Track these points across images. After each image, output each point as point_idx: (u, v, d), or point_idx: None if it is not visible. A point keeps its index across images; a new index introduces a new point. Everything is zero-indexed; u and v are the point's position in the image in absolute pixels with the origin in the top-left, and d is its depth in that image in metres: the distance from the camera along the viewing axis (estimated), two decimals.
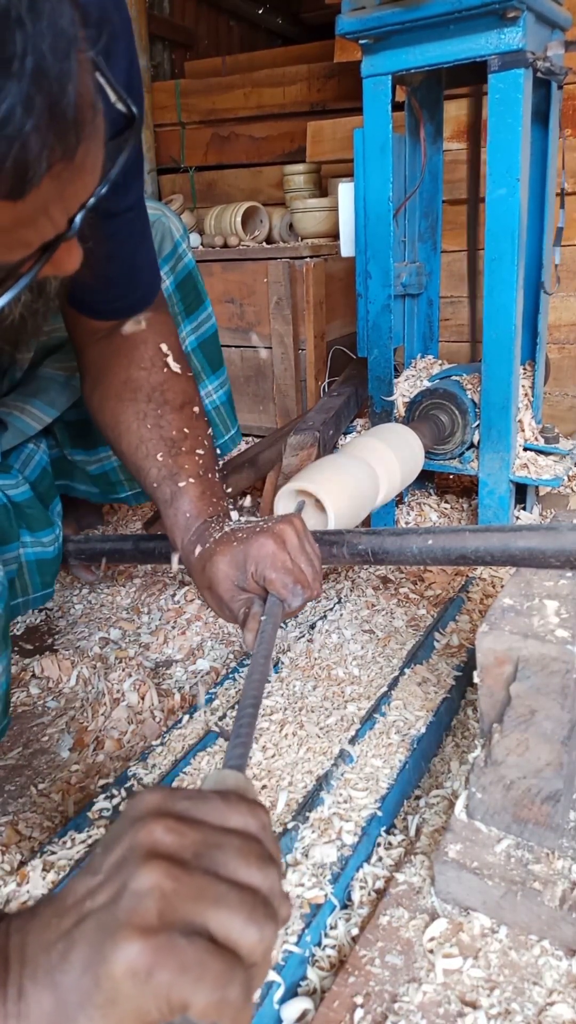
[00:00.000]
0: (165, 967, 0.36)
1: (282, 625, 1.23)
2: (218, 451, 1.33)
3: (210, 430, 0.94)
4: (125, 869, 0.39)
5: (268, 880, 0.41)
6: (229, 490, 0.93)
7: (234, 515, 0.88)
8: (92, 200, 0.43)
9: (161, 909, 0.37)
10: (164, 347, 0.93)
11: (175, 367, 0.92)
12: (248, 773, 0.85)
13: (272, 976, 0.61)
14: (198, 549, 0.84)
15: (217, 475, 0.91)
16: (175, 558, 0.91)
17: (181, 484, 0.87)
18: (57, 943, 0.38)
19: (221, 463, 1.42)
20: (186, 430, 0.89)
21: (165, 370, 0.91)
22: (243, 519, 0.87)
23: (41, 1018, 0.37)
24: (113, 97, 0.45)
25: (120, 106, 0.45)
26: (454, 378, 1.50)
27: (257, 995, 0.61)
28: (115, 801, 0.85)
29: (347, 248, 1.56)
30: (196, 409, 0.92)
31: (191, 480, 0.88)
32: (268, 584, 0.79)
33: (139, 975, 0.35)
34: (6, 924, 0.41)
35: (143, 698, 1.08)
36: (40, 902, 0.42)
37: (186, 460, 0.88)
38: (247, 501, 1.48)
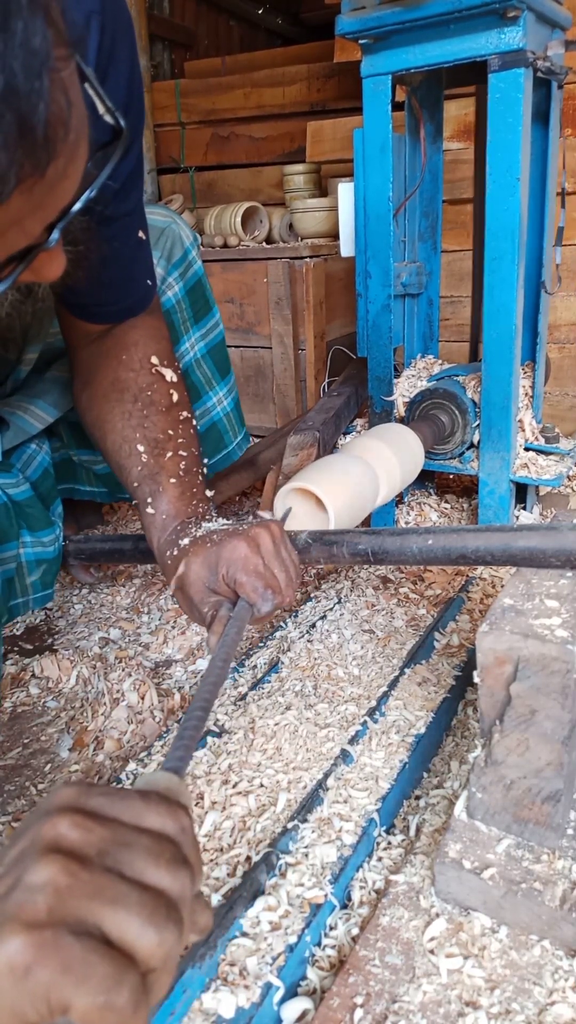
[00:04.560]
0: (45, 965, 0.34)
1: (274, 621, 1.23)
2: (220, 455, 1.33)
3: (196, 433, 0.93)
4: (22, 863, 0.38)
5: (177, 883, 0.39)
6: (211, 494, 0.92)
7: (215, 517, 0.87)
8: (74, 210, 0.43)
9: (51, 905, 0.36)
10: (155, 351, 0.92)
11: (164, 371, 0.92)
12: (248, 774, 0.85)
13: (272, 977, 0.61)
14: (172, 550, 0.83)
15: (200, 478, 0.90)
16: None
17: (161, 484, 0.86)
18: None
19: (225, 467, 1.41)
20: (170, 432, 0.89)
21: (154, 372, 0.91)
22: (221, 522, 0.85)
23: None
24: (101, 109, 0.45)
25: (108, 118, 0.46)
26: (454, 378, 1.50)
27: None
28: None
29: (347, 248, 1.56)
30: (184, 413, 0.92)
31: (171, 480, 0.87)
32: (238, 587, 0.77)
33: (16, 971, 0.34)
34: None
35: (143, 698, 1.08)
36: None
37: (168, 461, 0.88)
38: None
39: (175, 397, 0.91)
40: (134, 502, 1.26)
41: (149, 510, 0.87)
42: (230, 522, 0.85)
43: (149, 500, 0.87)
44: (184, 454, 0.89)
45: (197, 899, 0.42)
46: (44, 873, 0.37)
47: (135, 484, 0.88)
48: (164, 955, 0.37)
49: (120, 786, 0.43)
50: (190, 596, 0.81)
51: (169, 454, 0.88)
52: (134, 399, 0.90)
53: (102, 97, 0.44)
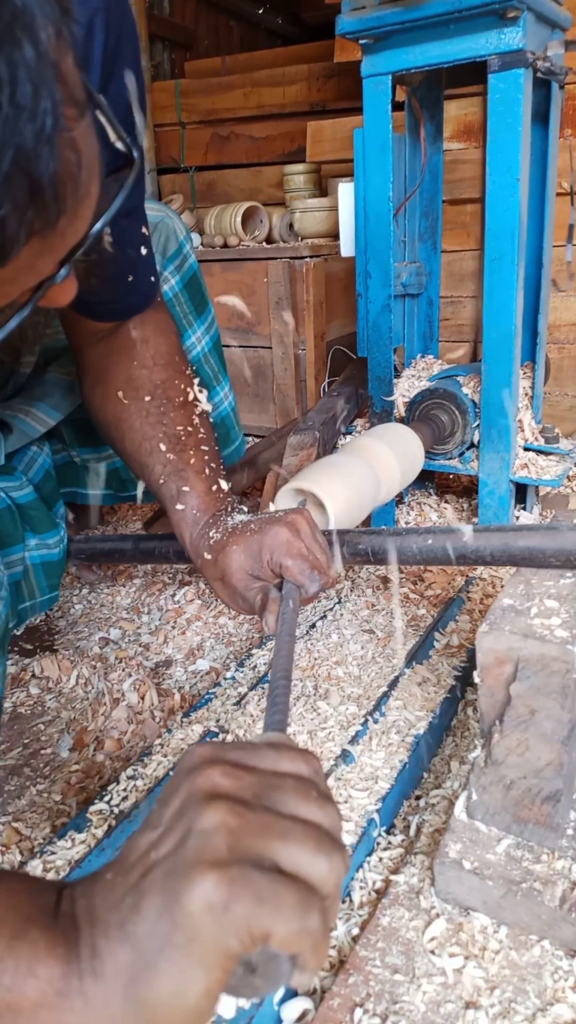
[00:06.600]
0: (242, 898, 0.36)
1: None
2: (228, 451, 1.33)
3: (211, 427, 0.94)
4: (187, 815, 0.39)
5: (329, 817, 0.41)
6: (230, 485, 0.93)
7: (243, 509, 0.88)
8: (85, 244, 0.43)
9: (230, 844, 0.37)
10: (166, 346, 0.93)
11: (177, 366, 0.92)
12: None
13: None
14: (208, 542, 0.85)
15: (222, 471, 0.91)
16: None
17: (187, 479, 0.88)
18: (125, 898, 0.38)
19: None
20: (189, 427, 0.90)
21: (167, 368, 0.91)
22: (251, 514, 0.87)
23: (118, 972, 0.37)
24: (113, 136, 0.45)
25: (120, 145, 0.46)
26: (454, 378, 1.50)
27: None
28: (115, 801, 0.85)
29: (347, 248, 1.56)
30: (198, 407, 0.93)
31: (197, 476, 0.88)
32: (284, 571, 0.79)
33: (216, 908, 0.35)
34: (70, 890, 0.41)
35: (143, 698, 1.08)
36: (102, 867, 0.42)
37: (191, 456, 0.88)
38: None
39: (190, 392, 0.92)
40: (136, 490, 1.26)
41: (178, 506, 0.88)
42: (259, 513, 0.86)
43: (177, 497, 0.88)
44: (206, 448, 0.90)
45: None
46: (214, 817, 0.38)
47: (160, 481, 0.89)
48: (335, 881, 0.39)
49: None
50: (232, 585, 0.83)
51: (192, 450, 0.89)
52: (150, 396, 0.90)
53: (114, 125, 0.45)
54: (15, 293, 0.41)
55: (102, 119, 0.43)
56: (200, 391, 0.93)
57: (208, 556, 0.85)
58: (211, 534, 0.85)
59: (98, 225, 0.44)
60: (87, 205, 0.41)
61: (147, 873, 0.38)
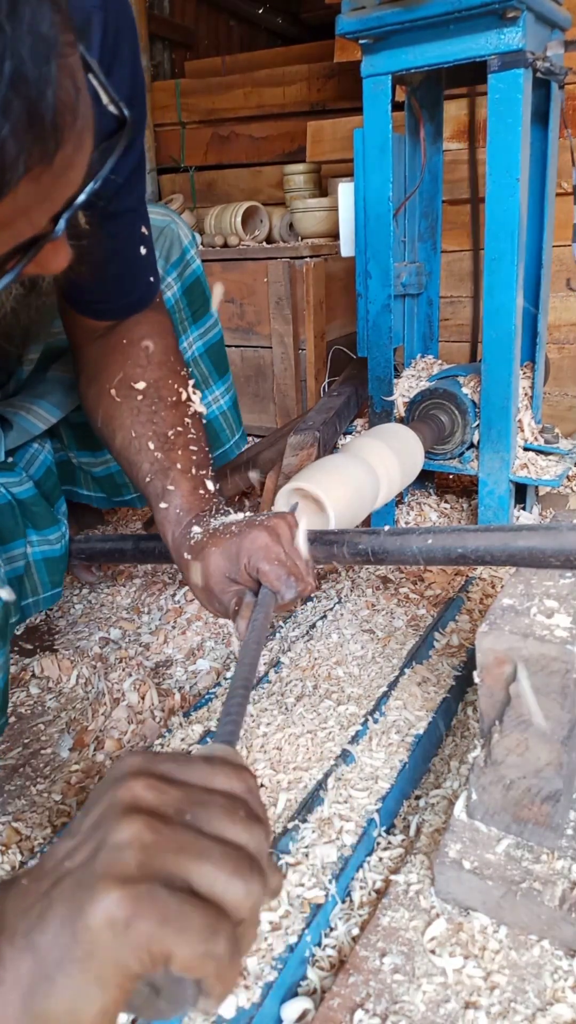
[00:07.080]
0: (145, 916, 0.35)
1: (274, 621, 1.22)
2: (217, 453, 1.33)
3: (204, 428, 0.94)
4: (104, 826, 0.38)
5: (254, 839, 0.40)
6: (217, 487, 0.92)
7: (227, 511, 0.88)
8: (79, 200, 0.43)
9: (141, 860, 0.36)
10: (161, 346, 0.92)
11: (172, 367, 0.92)
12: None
13: (272, 976, 0.61)
14: (189, 542, 0.84)
15: (211, 472, 0.91)
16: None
17: (173, 479, 0.87)
18: (35, 905, 0.37)
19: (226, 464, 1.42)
20: (179, 428, 0.89)
21: (161, 368, 0.91)
22: (233, 515, 0.87)
23: (17, 982, 0.36)
24: (105, 99, 0.45)
25: (112, 108, 0.45)
26: (454, 378, 1.50)
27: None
28: None
29: (347, 248, 1.57)
30: (191, 408, 0.92)
31: (183, 475, 0.87)
32: (261, 576, 0.78)
33: (117, 925, 0.35)
34: None
35: (143, 698, 1.08)
36: (21, 872, 0.41)
37: (179, 456, 0.88)
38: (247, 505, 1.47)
39: (183, 393, 0.92)
40: (132, 494, 1.27)
41: (162, 505, 0.87)
42: (243, 515, 0.85)
43: (162, 495, 0.87)
44: (195, 449, 0.89)
45: (268, 859, 0.43)
46: (128, 831, 0.37)
47: (147, 479, 0.88)
48: (251, 906, 0.38)
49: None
50: (210, 587, 0.82)
51: (180, 450, 0.88)
52: (143, 395, 0.89)
53: (106, 87, 0.44)
54: (9, 242, 0.40)
55: (95, 82, 0.43)
56: (194, 392, 0.93)
57: (188, 556, 0.84)
58: (193, 535, 0.84)
59: (92, 184, 0.43)
60: (82, 153, 0.41)
61: (58, 882, 0.37)
